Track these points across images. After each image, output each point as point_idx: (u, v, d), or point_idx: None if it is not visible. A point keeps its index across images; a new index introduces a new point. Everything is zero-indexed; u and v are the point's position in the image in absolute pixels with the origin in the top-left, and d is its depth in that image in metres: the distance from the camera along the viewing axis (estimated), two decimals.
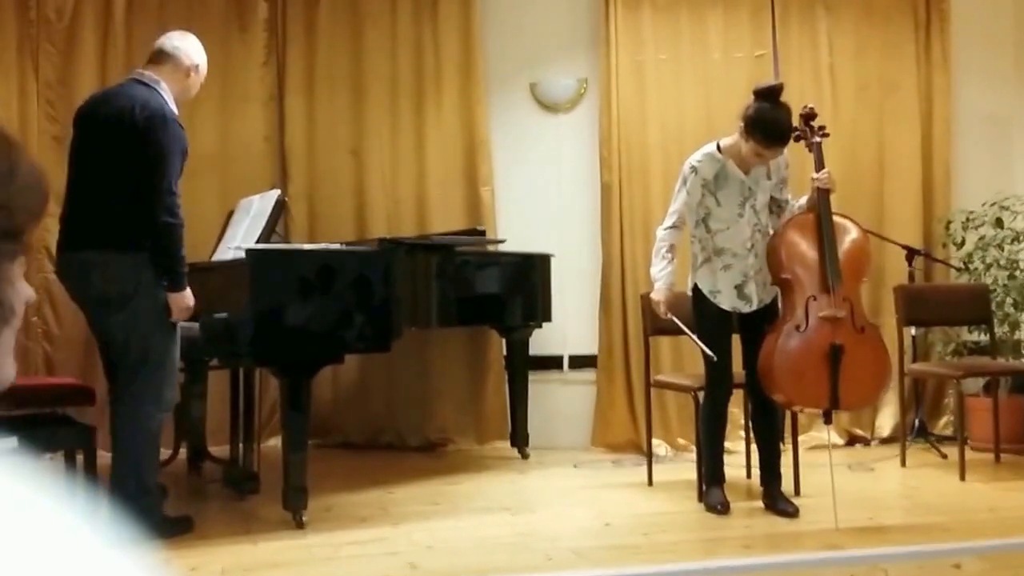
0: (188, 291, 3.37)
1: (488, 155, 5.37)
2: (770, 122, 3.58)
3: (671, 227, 3.81)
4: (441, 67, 5.39)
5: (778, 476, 3.87)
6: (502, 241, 5.09)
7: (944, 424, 5.33)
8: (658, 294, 3.79)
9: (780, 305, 3.81)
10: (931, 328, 5.25)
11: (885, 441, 5.26)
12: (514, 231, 5.31)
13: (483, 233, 4.90)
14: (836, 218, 3.74)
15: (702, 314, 3.83)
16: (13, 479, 0.50)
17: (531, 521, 3.73)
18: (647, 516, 3.78)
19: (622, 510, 3.90)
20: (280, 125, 5.42)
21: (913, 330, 5.01)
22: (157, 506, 3.40)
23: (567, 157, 5.46)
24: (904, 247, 5.09)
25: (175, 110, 3.46)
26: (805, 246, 3.68)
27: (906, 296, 4.76)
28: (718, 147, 3.78)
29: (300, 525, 3.47)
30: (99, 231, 3.35)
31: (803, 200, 3.80)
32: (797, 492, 4.00)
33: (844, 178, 5.32)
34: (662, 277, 3.79)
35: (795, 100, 5.22)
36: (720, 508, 3.77)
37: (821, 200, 3.70)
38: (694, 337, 3.77)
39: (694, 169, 3.76)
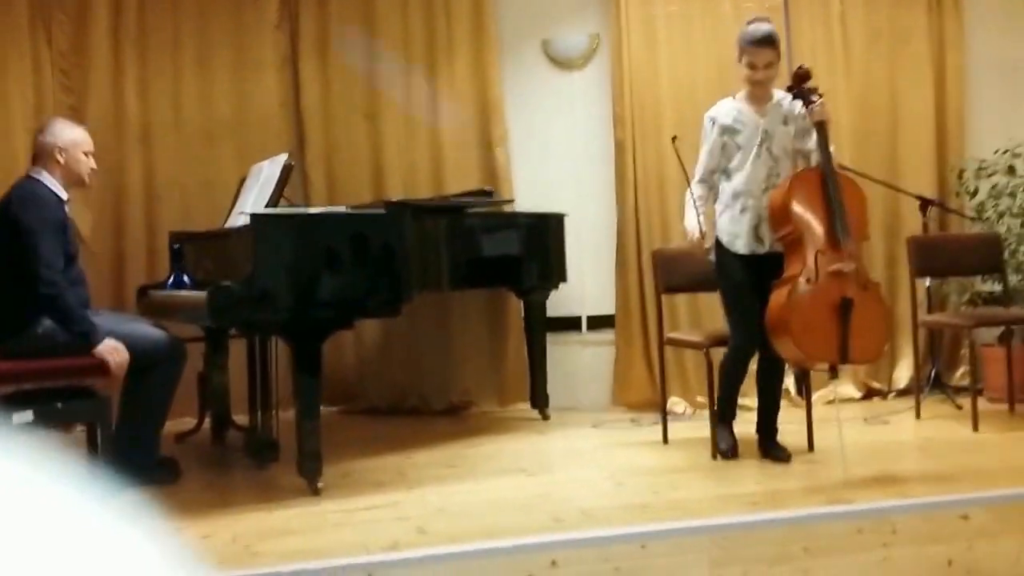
0: (107, 339, 3.60)
1: (502, 115, 5.37)
2: (751, 26, 3.82)
3: (699, 181, 3.95)
4: (453, 27, 5.38)
5: (775, 427, 4.00)
6: (510, 201, 5.11)
7: (962, 375, 5.31)
8: (693, 232, 3.82)
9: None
10: (947, 279, 5.22)
11: (902, 393, 5.25)
12: (530, 191, 5.33)
13: (491, 193, 4.89)
14: (842, 179, 3.76)
15: (725, 274, 3.90)
16: (26, 454, 0.50)
17: (545, 482, 3.80)
18: (659, 475, 3.82)
19: (636, 469, 3.95)
20: (295, 90, 5.44)
21: (928, 281, 4.98)
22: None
23: (581, 114, 5.44)
24: (918, 197, 5.05)
25: (60, 192, 3.81)
26: (811, 201, 3.69)
27: (918, 247, 4.73)
28: (733, 97, 3.92)
29: (316, 492, 3.53)
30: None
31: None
32: (811, 447, 4.04)
33: (856, 128, 5.30)
34: (693, 222, 3.84)
35: (806, 50, 5.24)
36: (729, 453, 3.93)
37: (819, 134, 3.74)
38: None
39: (712, 118, 3.93)
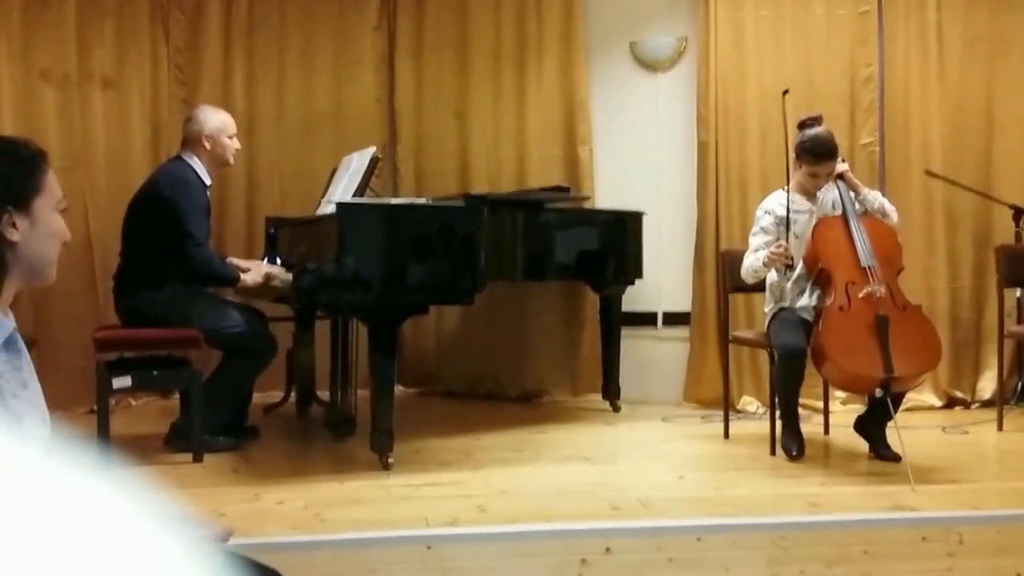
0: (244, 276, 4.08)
1: (587, 115, 5.46)
2: (812, 139, 3.99)
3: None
4: (543, 31, 5.49)
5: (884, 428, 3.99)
6: (586, 198, 5.20)
7: None
8: (768, 249, 3.94)
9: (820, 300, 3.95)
10: None
11: (986, 404, 5.14)
12: (612, 189, 5.41)
13: (567, 190, 5.00)
14: (866, 217, 4.04)
15: (780, 319, 4.04)
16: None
17: (607, 471, 3.88)
18: (723, 471, 3.86)
19: (699, 464, 4.01)
20: (390, 87, 5.66)
21: (1018, 291, 4.88)
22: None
23: (665, 116, 5.49)
24: (1011, 206, 4.95)
25: (205, 178, 4.16)
26: (835, 238, 3.95)
27: (1008, 256, 4.64)
28: (785, 190, 4.04)
29: (386, 466, 3.69)
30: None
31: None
32: None
33: (950, 136, 5.22)
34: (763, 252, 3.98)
35: (900, 58, 5.21)
36: (795, 453, 3.93)
37: (839, 187, 4.03)
38: None
39: (767, 211, 4.11)
